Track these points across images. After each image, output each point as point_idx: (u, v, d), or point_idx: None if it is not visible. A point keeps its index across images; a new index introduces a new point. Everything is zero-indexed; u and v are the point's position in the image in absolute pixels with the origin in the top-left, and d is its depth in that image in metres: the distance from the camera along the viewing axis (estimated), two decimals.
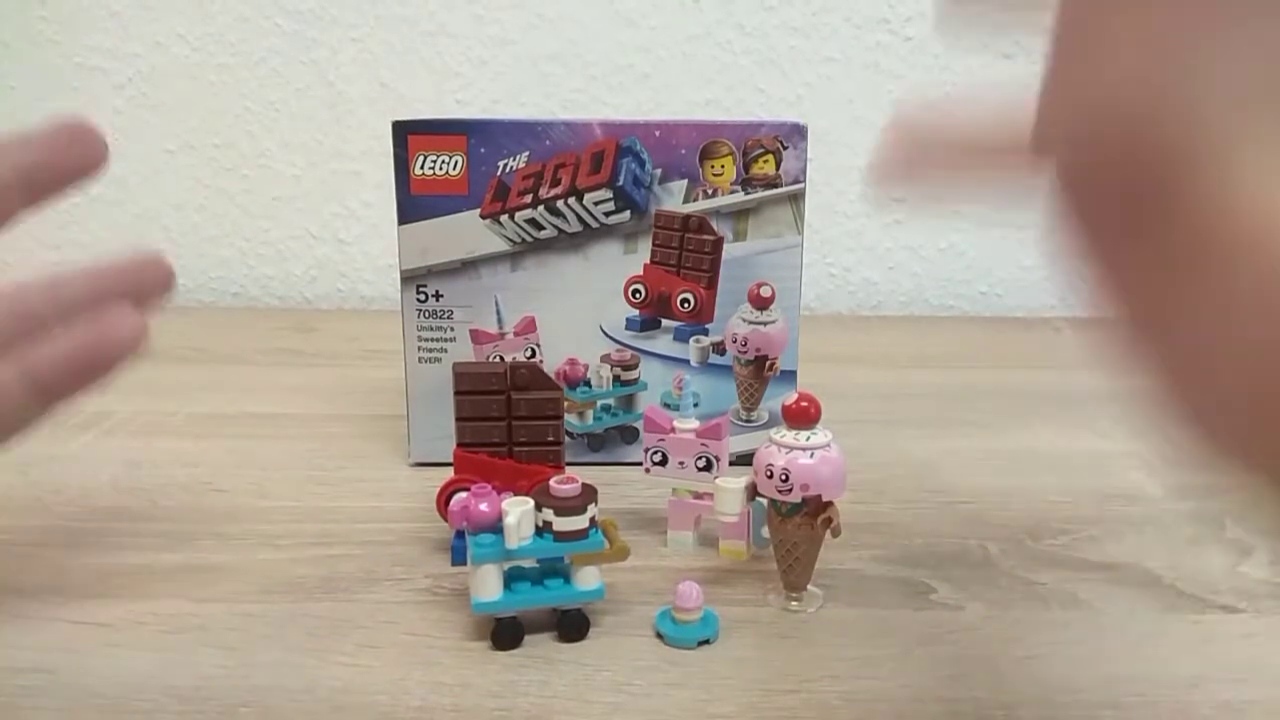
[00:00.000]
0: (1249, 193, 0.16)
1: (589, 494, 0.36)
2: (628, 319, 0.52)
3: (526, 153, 0.50)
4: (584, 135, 0.50)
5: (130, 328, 0.34)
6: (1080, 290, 0.19)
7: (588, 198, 0.51)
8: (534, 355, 0.52)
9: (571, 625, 0.36)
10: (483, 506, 0.36)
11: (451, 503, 0.38)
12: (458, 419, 0.43)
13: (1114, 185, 0.18)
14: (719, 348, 0.52)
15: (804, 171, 0.51)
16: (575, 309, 0.52)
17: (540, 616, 0.37)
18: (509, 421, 0.43)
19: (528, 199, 0.50)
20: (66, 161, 0.34)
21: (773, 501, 0.38)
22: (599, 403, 0.53)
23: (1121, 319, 0.19)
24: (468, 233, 0.51)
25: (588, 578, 0.36)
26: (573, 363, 0.52)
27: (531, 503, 0.36)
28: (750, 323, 0.51)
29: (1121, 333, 0.19)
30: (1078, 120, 0.19)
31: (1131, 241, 0.18)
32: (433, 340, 0.52)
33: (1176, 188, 0.17)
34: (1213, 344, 0.17)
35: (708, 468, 0.43)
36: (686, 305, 0.52)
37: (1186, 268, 0.17)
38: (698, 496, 0.44)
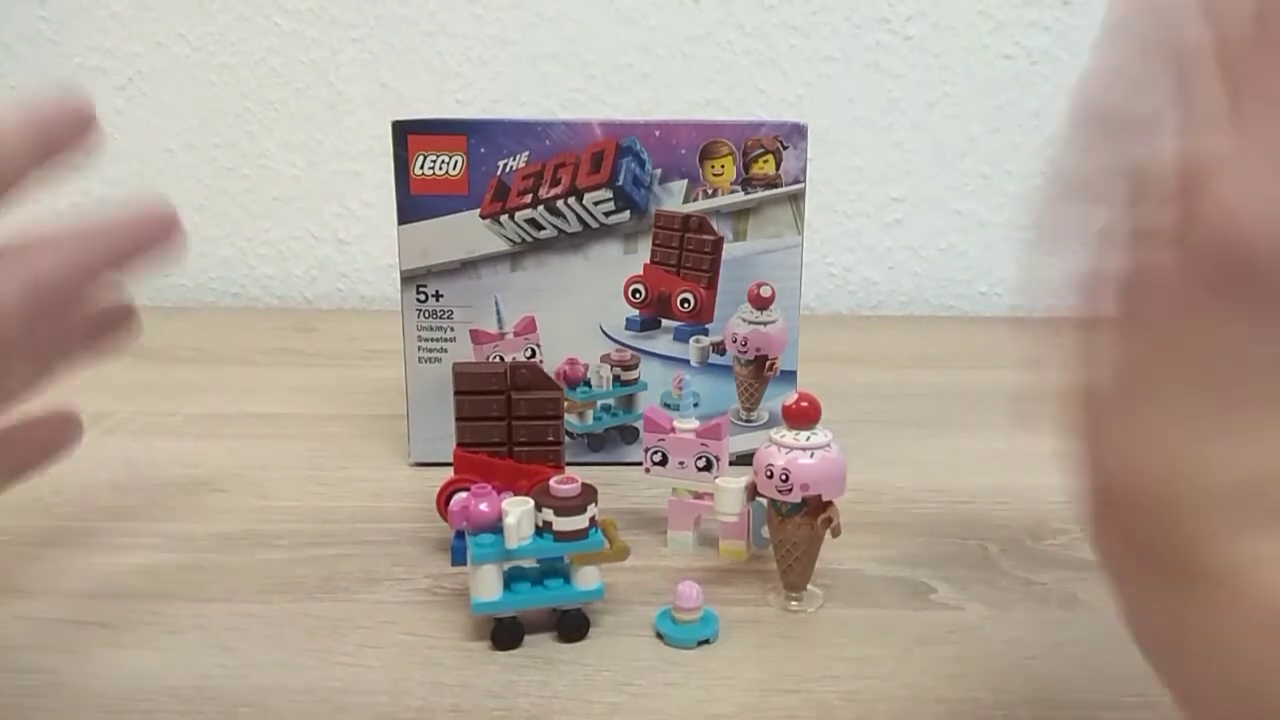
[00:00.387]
0: (1246, 573, 0.19)
1: (589, 494, 0.36)
2: (628, 319, 0.52)
3: (526, 153, 0.50)
4: (584, 135, 0.50)
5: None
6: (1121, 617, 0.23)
7: (588, 198, 0.51)
8: (534, 355, 0.52)
9: (571, 625, 0.36)
10: (483, 506, 0.36)
11: (451, 503, 0.38)
12: (458, 419, 0.43)
13: (1131, 553, 0.22)
14: (719, 348, 0.52)
15: (804, 171, 0.51)
16: (575, 309, 0.52)
17: (540, 616, 0.37)
18: (509, 421, 0.43)
19: (528, 199, 0.50)
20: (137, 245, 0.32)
21: (773, 501, 0.38)
22: (599, 403, 0.53)
23: (1149, 651, 0.22)
24: (468, 233, 0.51)
25: (588, 578, 0.36)
26: (573, 363, 0.52)
27: (531, 503, 0.36)
28: (750, 322, 0.51)
29: (1151, 657, 0.22)
30: (1095, 503, 0.22)
31: (1150, 593, 0.22)
32: (433, 340, 0.52)
33: (1181, 562, 0.20)
34: (1215, 682, 0.20)
35: (708, 468, 0.43)
36: (686, 305, 0.52)
37: (1193, 626, 0.20)
38: (698, 496, 0.44)
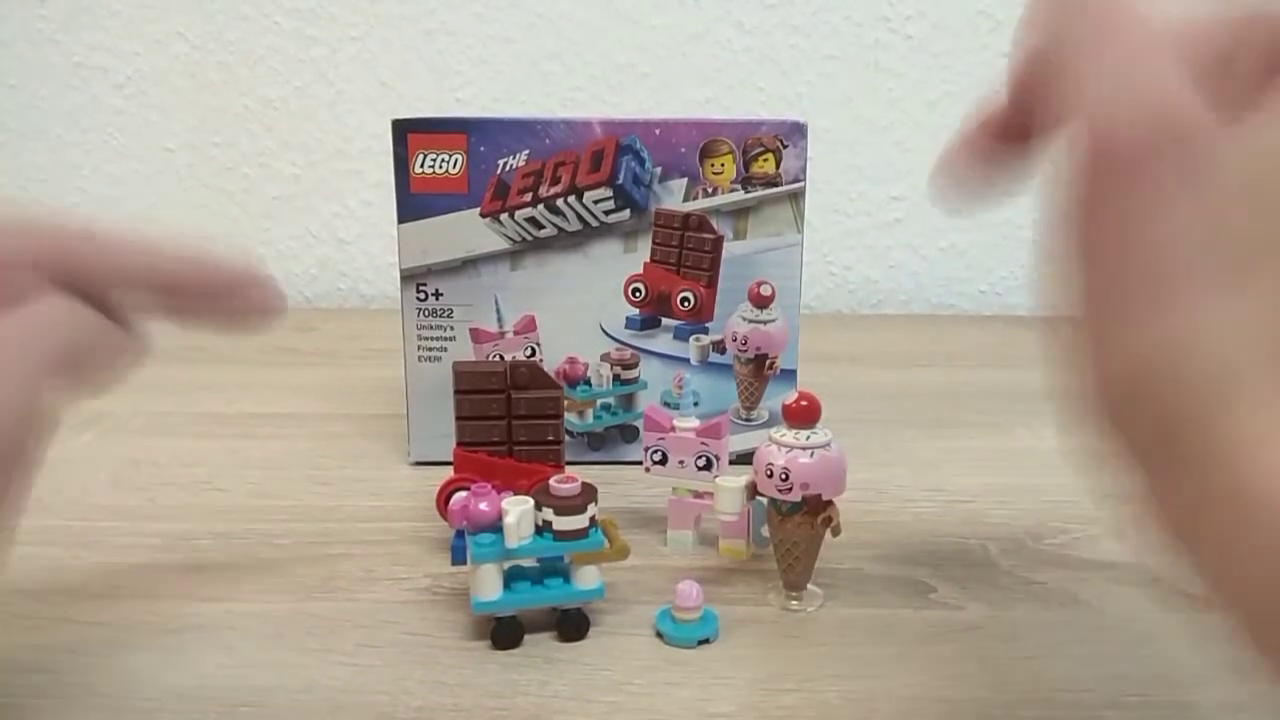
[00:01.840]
0: (1248, 449, 0.19)
1: (589, 493, 0.36)
2: (628, 318, 0.52)
3: (526, 151, 0.50)
4: (584, 134, 0.50)
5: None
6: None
7: (588, 196, 0.50)
8: (534, 354, 0.52)
9: (571, 625, 0.36)
10: (482, 506, 0.35)
11: (451, 502, 0.38)
12: (457, 418, 0.43)
13: (1140, 436, 0.22)
14: (719, 346, 0.52)
15: (804, 170, 0.51)
16: (575, 308, 0.52)
17: (540, 616, 0.37)
18: (509, 420, 0.43)
19: (527, 198, 0.50)
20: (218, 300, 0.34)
21: (773, 500, 0.38)
22: (599, 401, 0.53)
23: (1163, 532, 0.22)
24: (468, 231, 0.51)
25: (587, 577, 0.36)
26: (573, 361, 0.52)
27: (531, 502, 0.36)
28: (750, 321, 0.51)
29: (1166, 540, 0.22)
30: (1102, 383, 0.22)
31: (1163, 479, 0.21)
32: (433, 339, 0.52)
33: (1188, 441, 0.20)
34: (1229, 573, 0.20)
35: (708, 467, 0.43)
36: (686, 304, 0.52)
37: (1202, 507, 0.20)
38: (698, 495, 0.44)
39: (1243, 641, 0.20)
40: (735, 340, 0.52)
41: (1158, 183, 0.21)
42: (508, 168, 0.50)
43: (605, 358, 0.52)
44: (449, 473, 0.43)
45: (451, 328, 0.52)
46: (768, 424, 0.53)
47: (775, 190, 0.51)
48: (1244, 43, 0.23)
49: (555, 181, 0.50)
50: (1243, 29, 0.23)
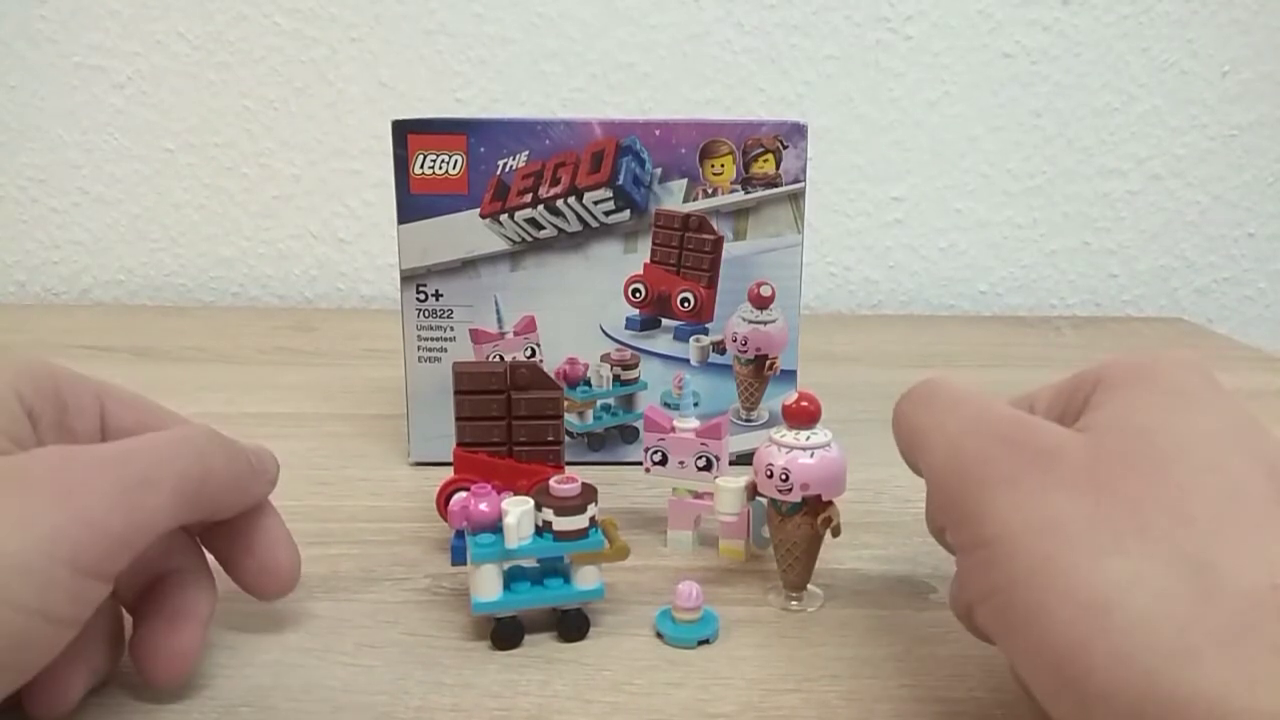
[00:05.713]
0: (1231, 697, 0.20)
1: (589, 493, 0.36)
2: (628, 318, 0.52)
3: (526, 152, 0.50)
4: (584, 134, 0.50)
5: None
6: None
7: (587, 197, 0.51)
8: (534, 355, 0.52)
9: (571, 625, 0.36)
10: (482, 506, 0.35)
11: (451, 502, 0.38)
12: (457, 418, 0.43)
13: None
14: (719, 347, 0.52)
15: (804, 170, 0.51)
16: (575, 308, 0.52)
17: (540, 616, 0.37)
18: (509, 421, 0.43)
19: (527, 198, 0.50)
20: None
21: (773, 501, 0.38)
22: (599, 402, 0.53)
23: None
24: (467, 232, 0.51)
25: (588, 577, 0.36)
26: (573, 362, 0.52)
27: (531, 502, 0.36)
28: (750, 322, 0.51)
29: None
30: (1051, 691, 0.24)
31: None
32: (432, 340, 0.52)
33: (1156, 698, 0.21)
34: None
35: (708, 467, 0.43)
36: (686, 304, 0.52)
37: None
38: (698, 496, 0.44)
39: None
40: (735, 341, 0.52)
41: (1034, 478, 0.26)
42: (507, 168, 0.50)
43: (605, 358, 0.52)
44: (449, 473, 0.43)
45: (451, 328, 0.52)
46: (768, 424, 0.53)
47: (775, 191, 0.51)
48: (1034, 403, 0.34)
49: (555, 182, 0.50)
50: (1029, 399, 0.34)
